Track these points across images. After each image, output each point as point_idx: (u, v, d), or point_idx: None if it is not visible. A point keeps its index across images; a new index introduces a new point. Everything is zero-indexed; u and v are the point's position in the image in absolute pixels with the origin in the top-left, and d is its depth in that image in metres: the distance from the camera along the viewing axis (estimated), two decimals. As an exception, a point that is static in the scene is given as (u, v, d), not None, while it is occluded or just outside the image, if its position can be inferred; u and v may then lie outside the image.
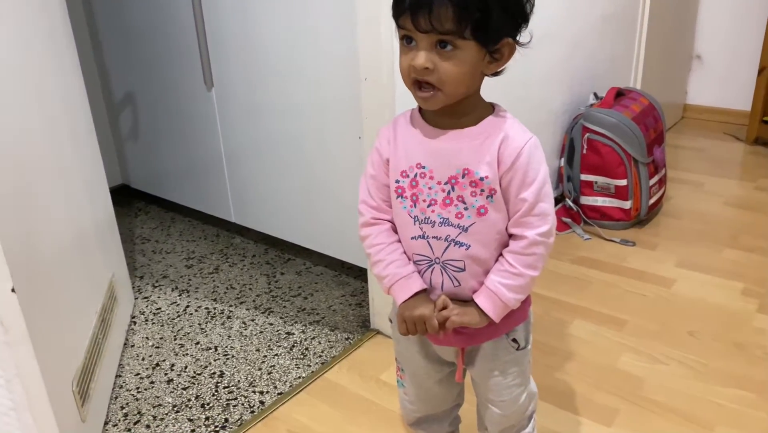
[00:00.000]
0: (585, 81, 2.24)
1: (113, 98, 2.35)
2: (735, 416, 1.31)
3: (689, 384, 1.40)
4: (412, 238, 0.88)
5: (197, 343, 1.64)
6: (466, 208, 0.84)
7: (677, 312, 1.66)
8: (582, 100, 2.22)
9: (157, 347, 1.64)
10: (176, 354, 1.60)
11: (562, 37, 2.02)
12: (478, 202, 0.83)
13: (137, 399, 1.45)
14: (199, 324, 1.72)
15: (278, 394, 1.44)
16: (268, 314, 1.75)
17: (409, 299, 0.88)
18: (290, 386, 1.46)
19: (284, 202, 1.90)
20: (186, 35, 1.91)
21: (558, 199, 2.16)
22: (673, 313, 1.66)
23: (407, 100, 0.87)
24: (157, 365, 1.57)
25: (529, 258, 0.84)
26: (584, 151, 2.07)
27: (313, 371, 1.51)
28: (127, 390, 1.48)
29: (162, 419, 1.39)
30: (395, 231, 0.92)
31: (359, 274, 1.88)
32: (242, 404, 1.42)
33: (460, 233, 0.85)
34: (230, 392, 1.46)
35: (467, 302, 0.88)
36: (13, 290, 0.99)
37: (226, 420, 1.37)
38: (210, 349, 1.62)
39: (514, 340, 0.94)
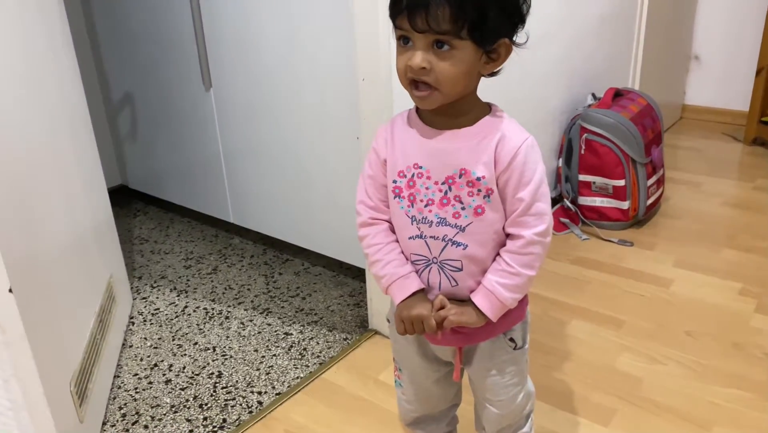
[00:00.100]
0: (583, 81, 2.25)
1: (112, 99, 2.35)
2: (733, 416, 1.31)
3: (687, 384, 1.40)
4: (410, 238, 0.88)
5: (195, 343, 1.64)
6: (463, 208, 0.84)
7: (675, 312, 1.66)
8: (580, 101, 2.22)
9: (156, 348, 1.64)
10: (174, 354, 1.60)
11: (560, 38, 2.02)
12: (475, 202, 0.83)
13: (135, 399, 1.45)
14: (198, 324, 1.72)
15: (276, 394, 1.44)
16: (267, 315, 1.75)
17: (406, 298, 0.88)
18: (288, 387, 1.46)
19: (282, 203, 1.90)
20: (184, 36, 1.91)
21: (556, 200, 2.16)
22: (671, 313, 1.66)
23: (405, 101, 0.87)
24: (156, 365, 1.57)
25: (526, 257, 0.84)
26: (582, 152, 2.07)
27: (311, 372, 1.51)
28: (126, 390, 1.49)
29: (160, 420, 1.39)
30: (393, 231, 0.92)
31: (357, 274, 1.88)
32: (240, 405, 1.42)
33: (458, 232, 0.85)
34: (228, 393, 1.46)
35: (465, 301, 0.88)
36: (10, 291, 0.99)
37: (224, 420, 1.37)
38: (208, 349, 1.62)
39: (512, 339, 0.94)
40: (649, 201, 2.08)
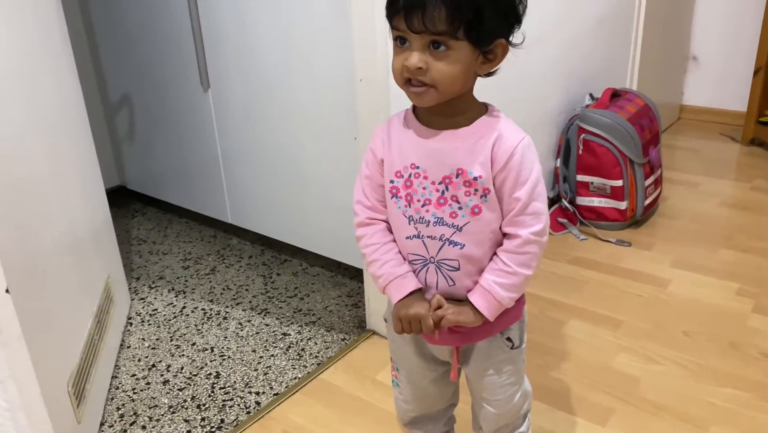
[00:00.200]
0: (581, 82, 2.25)
1: (110, 100, 2.35)
2: (730, 416, 1.31)
3: (684, 384, 1.41)
4: (407, 237, 0.89)
5: (193, 344, 1.64)
6: (460, 208, 0.84)
7: (672, 312, 1.66)
8: (578, 101, 2.22)
9: (154, 348, 1.63)
10: (172, 355, 1.60)
11: (558, 38, 2.03)
12: (472, 201, 0.83)
13: (133, 400, 1.45)
14: (196, 325, 1.72)
15: (274, 394, 1.44)
16: (265, 315, 1.75)
17: (404, 298, 0.89)
18: (286, 387, 1.46)
19: (281, 203, 1.90)
20: (182, 36, 1.91)
21: (554, 200, 2.17)
22: (668, 313, 1.66)
23: (402, 102, 0.87)
24: (153, 366, 1.57)
25: (523, 257, 0.84)
26: (580, 152, 2.08)
27: (309, 372, 1.51)
28: (123, 391, 1.48)
29: (158, 420, 1.39)
30: (390, 231, 0.92)
31: (355, 275, 1.89)
32: (238, 405, 1.42)
33: (455, 232, 0.85)
34: (226, 393, 1.46)
35: (462, 301, 0.88)
36: (7, 291, 0.99)
37: (222, 421, 1.37)
38: (206, 350, 1.62)
39: (509, 339, 0.95)
40: (647, 201, 2.08)
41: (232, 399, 1.44)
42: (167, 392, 1.47)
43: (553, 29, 1.98)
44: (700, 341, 1.54)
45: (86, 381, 1.32)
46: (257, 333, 1.67)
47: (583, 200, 2.12)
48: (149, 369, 1.56)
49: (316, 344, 1.62)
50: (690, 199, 2.31)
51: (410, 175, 0.86)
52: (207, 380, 1.50)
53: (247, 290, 1.88)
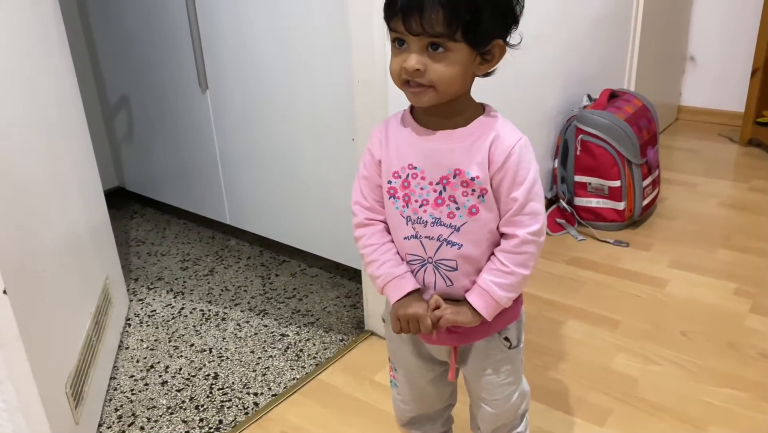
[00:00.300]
0: (578, 82, 2.25)
1: (108, 101, 2.35)
2: (728, 416, 1.31)
3: (682, 384, 1.41)
4: (405, 238, 0.89)
5: (192, 345, 1.64)
6: (457, 208, 0.84)
7: (670, 312, 1.67)
8: (575, 102, 2.23)
9: (152, 349, 1.63)
10: (171, 356, 1.60)
11: (555, 39, 2.03)
12: (470, 202, 0.84)
13: (131, 401, 1.45)
14: (194, 326, 1.72)
15: (272, 395, 1.44)
16: (263, 316, 1.75)
17: (402, 298, 0.89)
18: (284, 388, 1.46)
19: (279, 204, 1.90)
20: (180, 37, 1.91)
21: (552, 201, 2.17)
22: (666, 313, 1.66)
23: (400, 103, 0.87)
24: (152, 367, 1.57)
25: (521, 257, 0.84)
26: (578, 153, 2.08)
27: (307, 373, 1.51)
28: (122, 392, 1.48)
29: (156, 421, 1.39)
30: (388, 231, 0.92)
31: (354, 275, 1.89)
32: (236, 406, 1.42)
33: (452, 232, 0.85)
34: (224, 394, 1.46)
35: (460, 301, 0.88)
36: (5, 292, 0.99)
37: (221, 422, 1.37)
38: (204, 351, 1.62)
39: (507, 338, 0.95)
40: (645, 202, 2.08)
41: (230, 400, 1.44)
42: (165, 393, 1.47)
43: (551, 30, 1.99)
44: (698, 341, 1.55)
45: (84, 382, 1.32)
46: (255, 334, 1.67)
47: (581, 201, 2.12)
48: (147, 370, 1.56)
49: (314, 344, 1.62)
50: (688, 200, 2.31)
51: (408, 176, 0.86)
52: (205, 381, 1.50)
53: (245, 290, 1.88)
